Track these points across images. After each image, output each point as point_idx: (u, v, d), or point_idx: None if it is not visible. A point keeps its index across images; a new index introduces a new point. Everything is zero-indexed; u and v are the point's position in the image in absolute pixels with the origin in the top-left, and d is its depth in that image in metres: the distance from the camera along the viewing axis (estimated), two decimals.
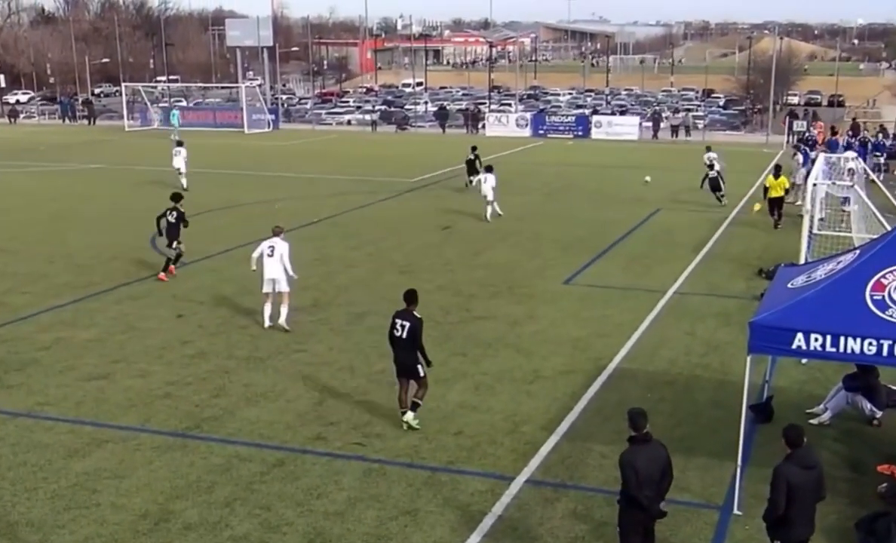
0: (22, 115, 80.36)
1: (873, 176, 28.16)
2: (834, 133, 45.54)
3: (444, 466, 12.28)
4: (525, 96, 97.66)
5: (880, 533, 10.33)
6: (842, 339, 10.14)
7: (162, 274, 21.91)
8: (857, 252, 11.52)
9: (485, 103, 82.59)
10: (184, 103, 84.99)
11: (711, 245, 26.33)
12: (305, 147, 55.71)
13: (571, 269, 23.25)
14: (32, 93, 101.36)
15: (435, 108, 77.68)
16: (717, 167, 33.39)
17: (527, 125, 63.96)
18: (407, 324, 13.04)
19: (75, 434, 13.25)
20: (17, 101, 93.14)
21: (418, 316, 13.19)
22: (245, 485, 11.73)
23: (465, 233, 27.92)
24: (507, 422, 13.70)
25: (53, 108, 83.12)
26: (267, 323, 18.01)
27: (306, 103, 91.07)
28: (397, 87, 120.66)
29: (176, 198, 22.40)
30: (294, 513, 11.06)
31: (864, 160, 33.98)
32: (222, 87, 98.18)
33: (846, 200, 25.82)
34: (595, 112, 73.38)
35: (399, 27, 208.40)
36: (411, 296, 13.29)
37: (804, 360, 14.74)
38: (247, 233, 25.93)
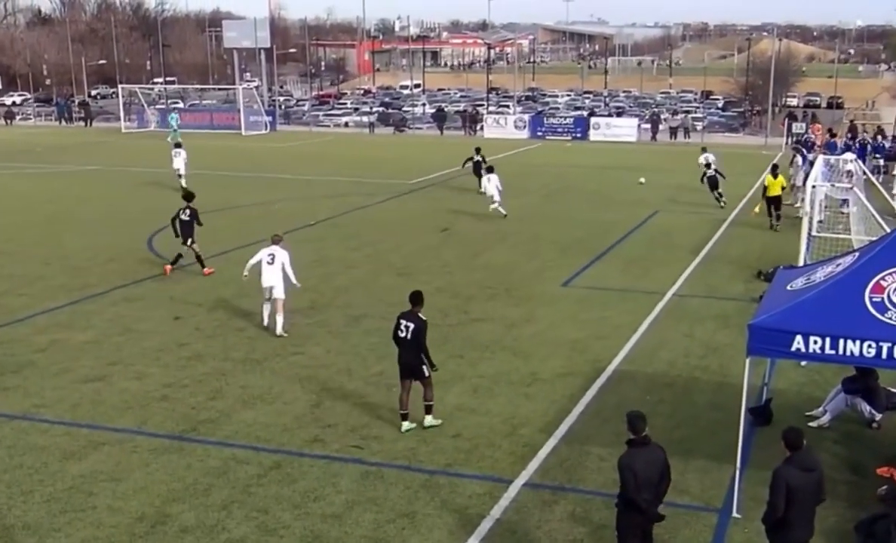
0: (18, 117, 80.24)
1: (872, 178, 28.11)
2: (832, 135, 45.55)
3: (441, 469, 12.23)
4: (523, 98, 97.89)
5: (880, 536, 10.30)
6: (841, 342, 10.12)
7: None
8: (857, 254, 11.50)
9: (483, 105, 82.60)
10: (181, 105, 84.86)
11: (710, 247, 26.30)
12: (303, 149, 55.66)
13: (570, 271, 23.22)
14: (27, 95, 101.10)
15: (433, 110, 77.70)
16: (714, 166, 33.63)
17: (525, 127, 63.93)
18: (411, 326, 13.02)
19: (71, 436, 13.20)
20: (14, 103, 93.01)
21: (423, 317, 13.17)
22: (242, 488, 11.68)
23: (464, 234, 27.88)
24: (505, 425, 13.65)
25: (50, 110, 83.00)
26: (266, 320, 17.96)
27: (304, 105, 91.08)
28: (395, 89, 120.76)
29: (189, 197, 22.58)
30: (291, 516, 11.01)
31: (863, 162, 33.95)
32: (219, 89, 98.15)
33: (844, 202, 25.81)
34: (592, 113, 73.38)
35: (397, 29, 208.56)
36: (417, 298, 13.28)
37: (803, 363, 14.70)
38: (244, 235, 25.90)
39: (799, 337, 10.23)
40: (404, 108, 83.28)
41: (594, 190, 37.52)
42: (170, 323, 18.62)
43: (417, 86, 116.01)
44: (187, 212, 22.08)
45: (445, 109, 75.11)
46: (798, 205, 29.37)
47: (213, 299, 20.32)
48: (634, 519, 9.05)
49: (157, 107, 76.62)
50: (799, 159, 33.35)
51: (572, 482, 11.90)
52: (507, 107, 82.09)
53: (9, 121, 75.80)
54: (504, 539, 10.62)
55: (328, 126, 74.03)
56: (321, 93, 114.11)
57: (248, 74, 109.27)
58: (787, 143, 53.50)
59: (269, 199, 34.34)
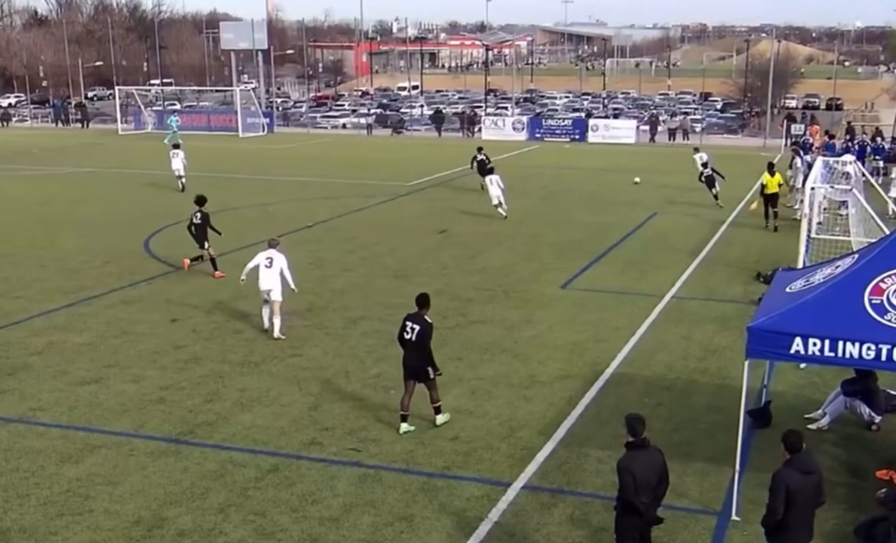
0: (14, 119, 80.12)
1: (871, 179, 28.09)
2: (830, 137, 45.52)
3: (439, 472, 12.19)
4: (521, 99, 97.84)
5: (879, 539, 10.29)
6: (840, 344, 10.09)
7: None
8: (856, 256, 11.47)
9: (481, 106, 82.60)
10: (177, 106, 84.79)
11: (709, 249, 26.28)
12: (300, 150, 55.60)
13: (568, 273, 23.18)
14: (22, 96, 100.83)
15: (431, 112, 77.67)
16: (710, 165, 33.86)
17: (523, 128, 63.89)
18: (417, 328, 13.02)
19: (68, 439, 13.15)
20: (10, 105, 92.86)
21: (429, 320, 13.18)
22: (239, 491, 11.64)
23: (462, 236, 27.84)
24: (503, 428, 13.61)
25: (46, 112, 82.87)
26: (266, 324, 17.92)
27: (301, 107, 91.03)
28: (393, 91, 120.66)
29: (200, 201, 22.69)
30: (289, 519, 10.96)
31: (863, 164, 33.93)
32: (216, 91, 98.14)
33: (843, 204, 25.76)
34: (589, 114, 73.37)
35: (394, 30, 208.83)
36: (423, 300, 13.29)
37: (802, 365, 14.68)
38: (241, 236, 25.84)
39: (798, 340, 10.20)
40: (402, 110, 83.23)
41: (592, 191, 37.52)
42: (167, 326, 18.57)
43: (415, 87, 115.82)
44: (199, 215, 22.29)
45: (443, 111, 75.11)
46: (797, 206, 29.37)
47: (211, 301, 20.26)
48: (633, 522, 9.02)
49: (154, 108, 76.52)
50: (798, 161, 33.34)
51: (571, 484, 11.86)
52: (506, 108, 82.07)
53: (5, 123, 75.64)
54: (502, 542, 10.59)
55: (326, 128, 73.98)
56: (319, 94, 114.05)
57: (245, 76, 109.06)
58: (785, 145, 53.46)
59: (266, 201, 34.30)
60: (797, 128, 56.89)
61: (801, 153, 34.84)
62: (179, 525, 10.80)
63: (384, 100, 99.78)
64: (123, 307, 20.02)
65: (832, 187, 23.39)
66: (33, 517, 10.99)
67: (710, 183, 33.25)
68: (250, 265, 17.90)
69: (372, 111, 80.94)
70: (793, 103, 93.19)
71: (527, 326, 18.68)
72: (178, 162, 36.32)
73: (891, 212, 24.71)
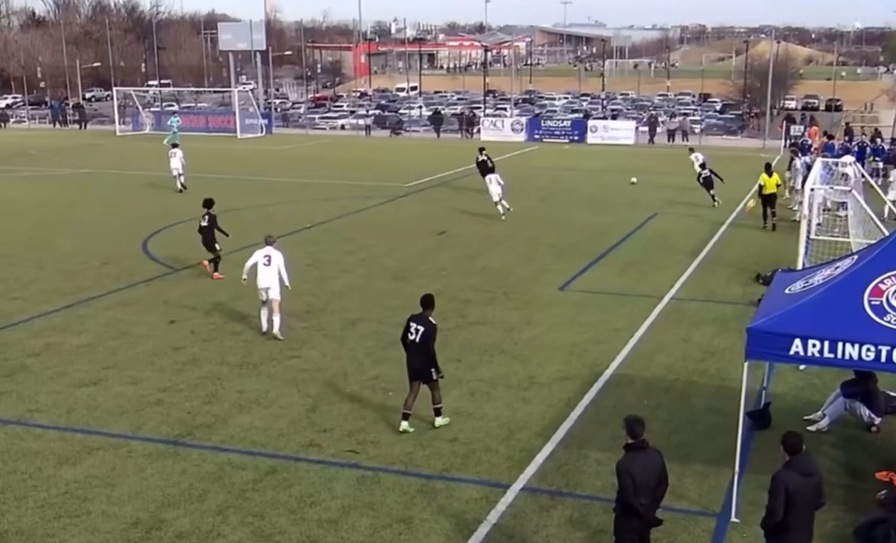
0: (12, 120, 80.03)
1: (871, 181, 28.07)
2: (829, 138, 45.48)
3: (438, 473, 12.17)
4: (520, 100, 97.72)
5: (879, 540, 10.27)
6: (840, 345, 10.08)
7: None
8: (855, 257, 11.46)
9: (480, 107, 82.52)
10: (176, 107, 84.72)
11: (708, 250, 26.26)
12: (299, 151, 55.55)
13: (567, 275, 23.16)
14: (19, 97, 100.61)
15: (429, 113, 77.59)
16: (708, 166, 33.91)
17: (522, 129, 63.83)
18: (421, 329, 13.01)
19: (66, 441, 13.12)
20: (8, 106, 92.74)
21: (433, 321, 13.17)
22: (238, 493, 11.61)
23: (461, 237, 27.82)
24: (502, 429, 13.59)
25: (44, 113, 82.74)
26: (265, 326, 17.89)
27: (299, 107, 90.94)
28: (391, 92, 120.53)
29: (208, 203, 22.73)
30: (287, 521, 10.94)
31: (862, 165, 33.91)
32: (215, 92, 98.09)
33: (842, 205, 25.74)
34: (588, 115, 73.33)
35: (393, 31, 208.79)
36: (428, 301, 13.30)
37: (802, 366, 14.66)
38: (240, 238, 25.72)
39: (798, 341, 10.19)
40: (401, 111, 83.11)
41: (591, 193, 37.50)
42: (165, 327, 18.54)
43: (414, 88, 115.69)
44: (206, 218, 22.34)
45: (442, 112, 75.04)
46: (796, 208, 29.36)
47: (209, 303, 20.23)
48: (632, 524, 9.00)
49: (152, 109, 76.44)
50: (797, 162, 33.33)
51: (570, 486, 11.84)
52: (504, 109, 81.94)
53: (2, 124, 75.56)
54: None
55: (324, 129, 73.89)
56: (317, 95, 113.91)
57: (243, 77, 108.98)
58: (785, 146, 53.45)
59: (265, 202, 34.27)
60: (796, 130, 56.83)
61: (800, 154, 34.83)
62: (177, 527, 10.78)
63: (383, 101, 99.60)
64: (121, 308, 19.99)
65: (831, 188, 23.38)
66: (31, 519, 10.96)
67: (707, 184, 33.28)
68: (249, 263, 17.88)
69: (370, 112, 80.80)
70: (792, 104, 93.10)
71: (526, 327, 18.65)
72: (176, 161, 36.27)
73: (886, 214, 24.68)
